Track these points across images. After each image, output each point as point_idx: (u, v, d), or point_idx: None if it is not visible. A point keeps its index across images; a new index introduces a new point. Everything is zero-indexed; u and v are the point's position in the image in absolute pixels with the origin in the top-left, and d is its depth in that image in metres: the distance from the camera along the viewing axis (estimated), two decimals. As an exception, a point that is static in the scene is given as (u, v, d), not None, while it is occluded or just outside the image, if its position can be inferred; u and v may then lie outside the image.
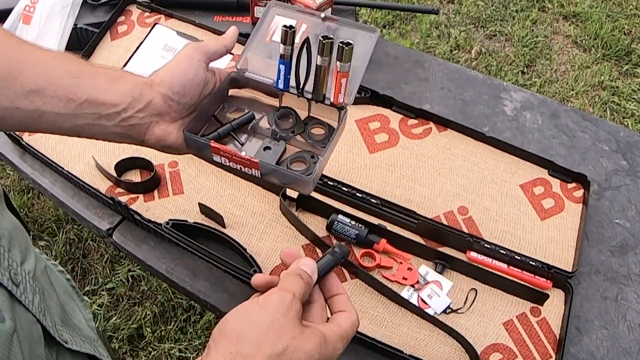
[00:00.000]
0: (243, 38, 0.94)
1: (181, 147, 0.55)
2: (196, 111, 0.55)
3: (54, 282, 0.60)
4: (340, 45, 0.50)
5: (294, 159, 0.57)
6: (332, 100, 0.56)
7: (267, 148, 0.57)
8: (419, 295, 0.71)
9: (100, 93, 0.49)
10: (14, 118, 0.48)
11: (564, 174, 0.82)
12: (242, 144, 0.58)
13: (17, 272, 0.47)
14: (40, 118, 0.49)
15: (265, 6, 0.97)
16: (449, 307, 0.70)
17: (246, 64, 0.59)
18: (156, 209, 0.78)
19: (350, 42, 0.50)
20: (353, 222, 0.74)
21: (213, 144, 0.53)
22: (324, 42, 0.51)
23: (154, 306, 1.52)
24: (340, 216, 0.74)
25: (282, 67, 0.55)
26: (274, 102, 0.61)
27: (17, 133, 0.85)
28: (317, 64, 0.54)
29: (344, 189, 0.77)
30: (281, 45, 0.54)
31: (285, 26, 0.53)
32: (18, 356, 0.43)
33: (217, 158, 0.55)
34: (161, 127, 0.53)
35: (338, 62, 0.52)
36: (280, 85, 0.57)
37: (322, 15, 0.59)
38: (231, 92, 0.61)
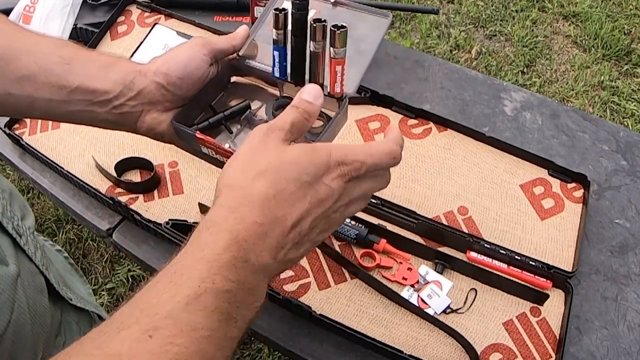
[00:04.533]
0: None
1: (173, 136, 0.54)
2: (191, 100, 0.54)
3: (52, 260, 0.62)
4: (332, 29, 0.45)
5: None
6: (329, 90, 0.52)
7: None
8: (418, 295, 0.71)
9: (92, 80, 0.49)
10: (6, 103, 0.49)
11: (564, 174, 0.82)
12: (231, 132, 0.55)
13: (19, 224, 0.49)
14: (32, 104, 0.49)
15: (265, 6, 0.97)
16: (448, 307, 0.70)
17: (249, 51, 0.57)
18: (156, 209, 0.78)
19: (344, 24, 0.46)
20: (353, 222, 0.74)
21: (199, 134, 0.50)
22: (314, 25, 0.46)
23: (154, 306, 1.52)
24: (340, 216, 0.74)
25: (277, 53, 0.52)
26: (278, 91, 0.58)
27: (17, 133, 0.85)
28: (310, 50, 0.49)
29: (344, 189, 0.77)
30: (273, 30, 0.50)
31: (276, 9, 0.49)
32: (23, 302, 0.45)
33: (204, 149, 0.52)
34: (153, 116, 0.52)
35: (331, 48, 0.47)
36: (277, 74, 0.54)
37: (332, 0, 0.55)
38: (236, 79, 0.59)
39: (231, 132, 0.55)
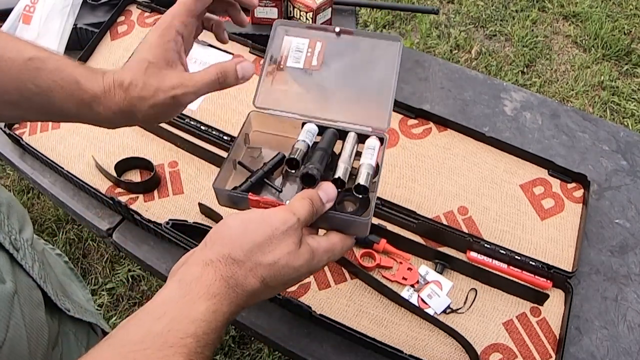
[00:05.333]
0: (244, 39, 0.95)
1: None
2: (223, 163, 0.52)
3: (52, 264, 0.61)
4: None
5: (342, 198, 0.52)
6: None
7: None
8: (419, 295, 0.71)
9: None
10: None
11: (564, 174, 0.82)
12: (280, 191, 0.53)
13: (17, 238, 0.48)
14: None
15: (265, 6, 0.97)
16: (449, 307, 0.70)
17: (263, 101, 0.54)
18: (156, 209, 0.78)
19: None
20: (353, 222, 0.73)
21: (252, 196, 0.49)
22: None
23: (154, 306, 1.52)
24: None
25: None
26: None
27: (17, 133, 0.85)
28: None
29: (344, 189, 0.77)
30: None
31: (290, 161, 0.51)
32: (19, 318, 0.44)
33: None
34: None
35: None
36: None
37: (337, 29, 0.54)
38: (252, 131, 0.57)
39: (279, 191, 0.54)
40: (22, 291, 0.46)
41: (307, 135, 0.54)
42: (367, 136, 0.54)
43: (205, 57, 0.93)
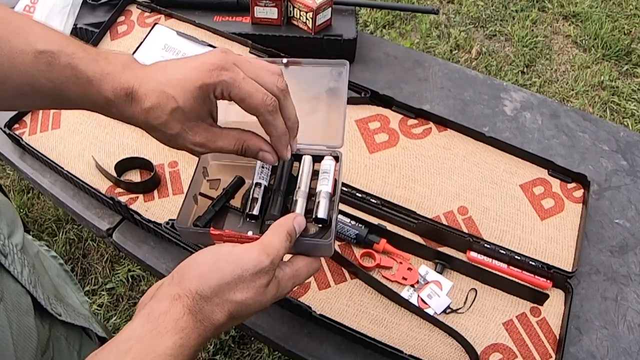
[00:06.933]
0: (244, 39, 0.95)
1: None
2: (183, 200, 0.53)
3: (46, 267, 0.61)
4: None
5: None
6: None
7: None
8: (418, 295, 0.71)
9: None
10: None
11: (564, 174, 0.82)
12: (242, 212, 0.54)
13: (5, 244, 0.48)
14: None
15: (265, 6, 0.97)
16: (448, 307, 0.70)
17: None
18: (156, 209, 0.78)
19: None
20: (353, 222, 0.74)
21: (213, 231, 0.48)
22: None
23: (154, 306, 1.52)
24: (340, 216, 0.74)
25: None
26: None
27: (17, 133, 0.85)
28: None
29: (344, 189, 0.77)
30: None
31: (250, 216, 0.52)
32: (5, 326, 0.43)
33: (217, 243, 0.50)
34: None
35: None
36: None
37: (285, 60, 0.55)
38: (210, 163, 0.58)
39: (241, 212, 0.54)
40: (9, 298, 0.45)
41: (262, 172, 0.54)
42: (323, 156, 0.54)
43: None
